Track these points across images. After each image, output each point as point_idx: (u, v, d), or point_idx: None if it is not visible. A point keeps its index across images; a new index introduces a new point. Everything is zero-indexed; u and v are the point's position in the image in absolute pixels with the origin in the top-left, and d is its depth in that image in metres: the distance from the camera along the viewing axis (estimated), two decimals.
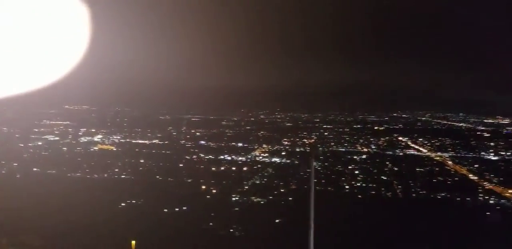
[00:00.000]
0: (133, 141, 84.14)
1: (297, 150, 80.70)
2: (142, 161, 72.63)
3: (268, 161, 75.93)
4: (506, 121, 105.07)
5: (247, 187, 61.93)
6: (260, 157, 77.94)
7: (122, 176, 65.88)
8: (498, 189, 58.65)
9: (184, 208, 49.15)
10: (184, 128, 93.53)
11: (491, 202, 54.62)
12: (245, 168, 72.04)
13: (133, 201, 51.84)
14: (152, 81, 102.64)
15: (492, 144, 79.73)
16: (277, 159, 76.08)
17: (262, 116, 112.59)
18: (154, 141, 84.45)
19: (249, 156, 78.18)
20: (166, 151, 78.49)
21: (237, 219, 44.56)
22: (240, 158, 77.10)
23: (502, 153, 75.19)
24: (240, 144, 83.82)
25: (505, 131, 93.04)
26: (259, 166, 73.04)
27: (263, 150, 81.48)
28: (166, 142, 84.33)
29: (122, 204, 50.85)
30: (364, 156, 75.28)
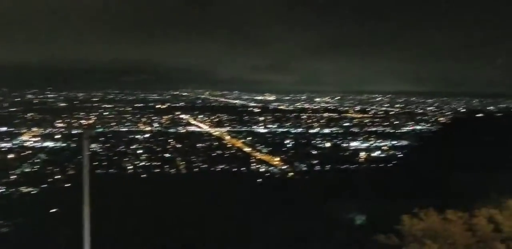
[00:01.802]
0: None
1: (73, 132, 74.12)
2: None
3: (40, 146, 67.98)
4: (273, 97, 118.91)
5: (14, 177, 54.17)
6: (30, 142, 69.16)
7: None
8: (267, 158, 65.92)
9: None
10: None
11: (261, 169, 61.03)
12: (11, 156, 62.96)
13: None
14: None
15: (261, 118, 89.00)
16: (50, 144, 68.70)
17: (30, 96, 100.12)
18: None
19: (16, 142, 68.64)
20: None
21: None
22: (4, 145, 66.95)
23: (269, 126, 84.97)
24: (3, 129, 72.62)
25: (271, 106, 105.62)
26: (29, 152, 64.67)
27: (33, 134, 72.45)
28: None
29: None
30: (147, 135, 74.39)
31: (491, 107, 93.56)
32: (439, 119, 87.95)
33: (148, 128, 79.47)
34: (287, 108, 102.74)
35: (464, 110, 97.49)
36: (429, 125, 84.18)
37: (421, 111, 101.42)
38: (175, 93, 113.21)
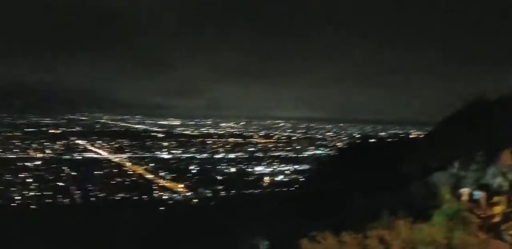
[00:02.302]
0: None
1: None
2: None
3: None
4: (177, 122, 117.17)
5: None
6: None
7: None
8: (171, 185, 63.90)
9: None
10: None
11: (164, 197, 58.82)
12: None
13: None
14: None
15: (165, 144, 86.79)
16: None
17: None
18: None
19: None
20: None
21: None
22: None
23: (173, 151, 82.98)
24: None
25: (176, 132, 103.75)
26: None
27: None
28: None
29: None
30: (38, 162, 68.12)
31: (383, 133, 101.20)
32: (336, 144, 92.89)
33: (40, 155, 73.17)
34: (192, 133, 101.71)
35: (359, 135, 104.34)
36: (328, 149, 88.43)
37: (320, 136, 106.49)
38: (71, 117, 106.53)
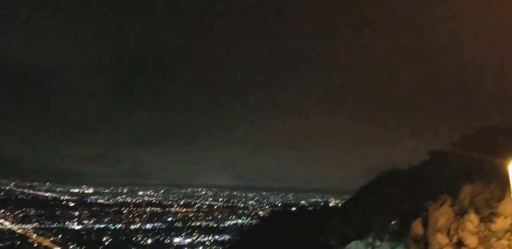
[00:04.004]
0: None
1: None
2: None
3: None
4: (91, 190, 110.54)
5: None
6: None
7: None
8: None
9: None
10: None
11: None
12: None
13: None
14: None
15: (76, 213, 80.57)
16: None
17: None
18: None
19: None
20: None
21: None
22: None
23: (85, 221, 76.98)
24: None
25: (89, 200, 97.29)
26: None
27: None
28: None
29: None
30: None
31: (303, 202, 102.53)
32: (258, 212, 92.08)
33: None
34: (106, 202, 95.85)
35: (280, 204, 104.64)
36: (249, 218, 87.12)
37: (242, 205, 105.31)
38: None
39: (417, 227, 10.00)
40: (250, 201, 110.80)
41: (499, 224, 9.55)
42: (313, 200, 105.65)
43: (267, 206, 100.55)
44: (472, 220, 9.65)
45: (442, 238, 9.57)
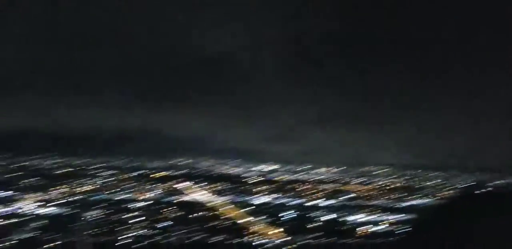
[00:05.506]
0: None
1: (74, 199, 73.07)
2: None
3: (39, 212, 65.92)
4: (274, 167, 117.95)
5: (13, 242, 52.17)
6: (30, 208, 67.26)
7: None
8: (265, 230, 63.72)
9: None
10: None
11: (257, 242, 58.71)
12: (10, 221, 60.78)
13: None
14: None
15: (262, 188, 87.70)
16: (50, 210, 66.89)
17: (32, 162, 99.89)
18: None
19: (16, 207, 66.74)
20: None
21: None
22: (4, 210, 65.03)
23: (268, 196, 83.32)
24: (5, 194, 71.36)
25: (271, 176, 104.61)
26: (28, 218, 62.88)
27: (34, 199, 70.72)
28: None
29: None
30: (140, 204, 72.44)
31: (496, 182, 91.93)
32: (441, 193, 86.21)
33: (142, 197, 77.91)
34: (287, 179, 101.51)
35: (466, 185, 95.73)
36: (431, 199, 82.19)
37: (423, 185, 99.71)
38: (174, 162, 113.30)
39: None
40: (432, 181, 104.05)
41: None
42: (506, 181, 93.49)
43: (451, 187, 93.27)
44: None
45: None
